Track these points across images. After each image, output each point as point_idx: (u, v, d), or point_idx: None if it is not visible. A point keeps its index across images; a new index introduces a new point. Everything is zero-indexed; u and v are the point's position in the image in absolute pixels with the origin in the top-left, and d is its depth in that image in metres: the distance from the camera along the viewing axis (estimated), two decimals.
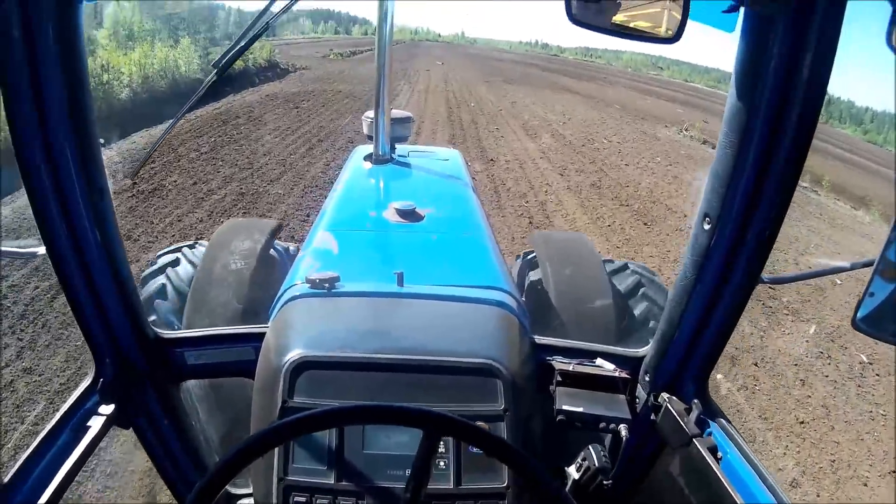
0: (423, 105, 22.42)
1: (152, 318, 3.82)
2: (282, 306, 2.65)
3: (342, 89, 24.87)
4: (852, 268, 1.92)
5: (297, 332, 2.41)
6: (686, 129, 23.04)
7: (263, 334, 2.51)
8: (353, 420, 1.75)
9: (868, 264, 1.44)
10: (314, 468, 2.05)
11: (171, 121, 2.87)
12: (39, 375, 5.72)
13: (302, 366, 2.18)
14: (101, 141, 1.86)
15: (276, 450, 2.05)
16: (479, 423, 1.64)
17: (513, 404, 2.16)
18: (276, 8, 2.32)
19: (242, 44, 2.34)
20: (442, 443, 1.91)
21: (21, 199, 9.43)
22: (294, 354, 2.21)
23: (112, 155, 11.26)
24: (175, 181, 11.07)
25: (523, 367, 2.31)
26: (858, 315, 1.42)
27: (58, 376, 5.75)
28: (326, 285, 2.61)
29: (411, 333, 2.44)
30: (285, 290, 2.82)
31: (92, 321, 2.08)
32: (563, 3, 1.67)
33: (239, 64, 27.33)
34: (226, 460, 1.49)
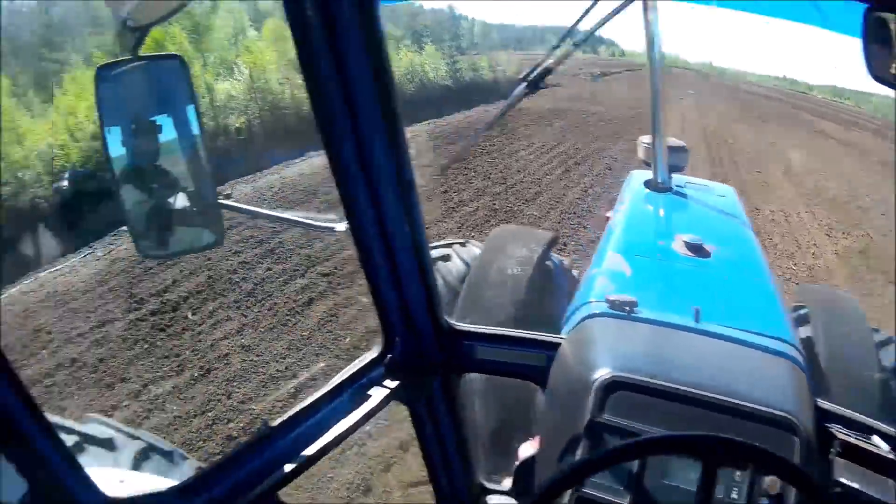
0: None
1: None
2: (580, 321, 2.72)
3: (595, 111, 25.26)
4: None
5: (604, 350, 2.46)
6: None
7: (557, 344, 2.56)
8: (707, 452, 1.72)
9: None
10: (611, 486, 2.08)
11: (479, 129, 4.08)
12: (257, 356, 6.46)
13: (613, 385, 2.23)
14: (409, 135, 1.96)
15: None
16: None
17: (805, 463, 2.09)
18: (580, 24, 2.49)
19: (552, 59, 2.55)
20: (735, 490, 2.00)
21: (262, 180, 11.43)
22: (604, 372, 2.26)
23: None
24: (424, 186, 11.50)
25: (815, 427, 2.26)
26: None
27: (276, 362, 6.40)
28: (627, 308, 2.67)
29: (711, 371, 2.40)
30: (581, 306, 2.92)
31: (388, 298, 2.19)
32: (858, 53, 1.73)
33: (488, 75, 29.99)
34: (576, 466, 1.64)
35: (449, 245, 5.03)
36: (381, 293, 2.17)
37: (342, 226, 2.11)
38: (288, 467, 1.86)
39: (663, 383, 2.22)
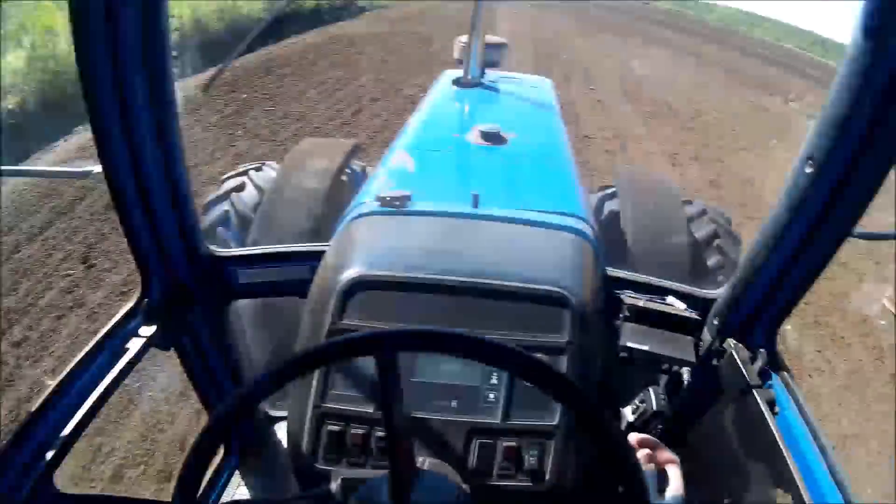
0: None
1: (226, 208, 3.77)
2: (346, 224, 2.54)
3: (420, 31, 22.39)
4: None
5: (358, 249, 2.28)
6: (792, 100, 20.10)
7: (322, 253, 2.38)
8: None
9: None
10: (352, 395, 1.93)
11: (241, 44, 2.53)
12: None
13: (357, 285, 2.05)
14: (174, 54, 1.76)
15: (315, 375, 1.93)
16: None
17: (577, 337, 2.01)
18: None
19: None
20: (495, 374, 1.93)
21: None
22: (350, 273, 2.08)
23: None
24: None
25: (593, 299, 2.17)
26: None
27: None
28: (397, 203, 2.52)
29: (480, 256, 2.27)
30: (352, 208, 2.74)
31: (141, 236, 2.01)
32: None
33: (310, 3, 25.69)
34: (257, 381, 1.32)
35: (244, 172, 4.65)
36: (133, 232, 2.01)
37: (98, 167, 1.85)
38: (53, 449, 1.77)
39: (413, 275, 2.09)
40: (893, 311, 7.37)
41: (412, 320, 2.02)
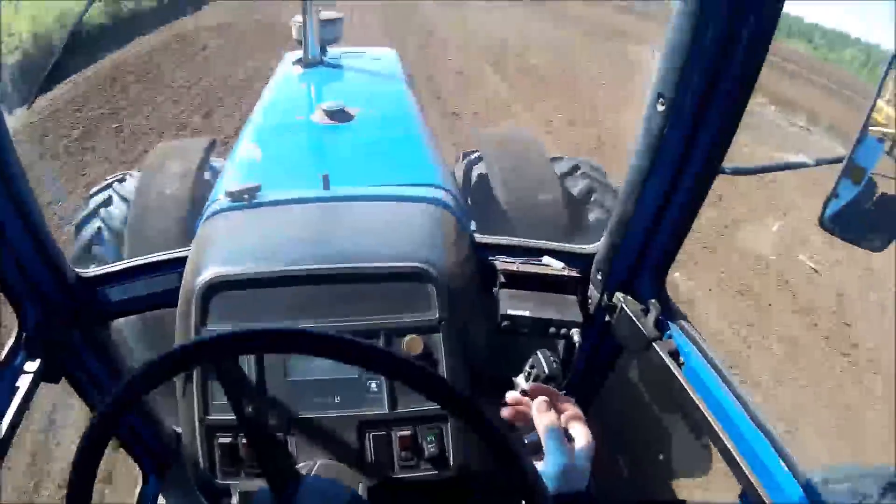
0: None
1: (92, 266, 2.80)
2: (202, 224, 2.44)
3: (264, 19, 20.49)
4: (818, 164, 1.84)
5: (213, 250, 2.15)
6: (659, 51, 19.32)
7: (186, 258, 2.23)
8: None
9: (834, 161, 1.46)
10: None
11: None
12: None
13: (214, 287, 1.96)
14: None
15: (195, 388, 1.90)
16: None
17: (449, 312, 1.95)
18: None
19: None
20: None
21: None
22: (206, 275, 1.98)
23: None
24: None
25: (461, 269, 2.09)
26: (826, 214, 1.45)
27: None
28: (247, 196, 2.41)
29: (336, 240, 2.23)
30: (207, 207, 2.68)
31: (6, 271, 1.88)
32: None
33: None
34: (127, 383, 1.23)
35: (108, 186, 4.37)
36: None
37: None
38: None
39: (269, 269, 2.00)
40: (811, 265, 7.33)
41: (274, 315, 1.95)
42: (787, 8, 1.46)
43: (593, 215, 4.26)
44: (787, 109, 15.83)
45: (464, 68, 14.78)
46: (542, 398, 1.50)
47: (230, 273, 2.00)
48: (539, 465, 1.37)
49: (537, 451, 1.42)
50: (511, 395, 1.56)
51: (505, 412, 1.54)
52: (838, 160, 1.44)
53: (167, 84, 12.70)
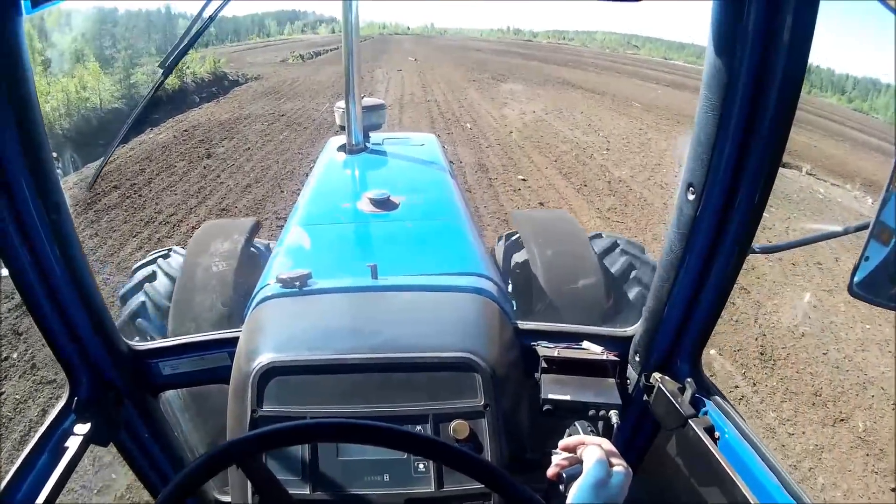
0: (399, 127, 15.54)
1: (136, 339, 3.16)
2: (253, 308, 2.49)
3: (287, 111, 18.74)
4: (846, 232, 1.75)
5: (266, 335, 2.23)
6: None
7: (237, 339, 2.33)
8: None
9: (862, 228, 1.41)
10: (287, 479, 1.86)
11: (122, 130, 2.49)
12: None
13: (270, 372, 2.02)
14: (55, 155, 1.73)
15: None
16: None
17: (493, 399, 1.98)
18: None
19: (186, 41, 2.12)
20: None
21: None
22: (262, 360, 2.04)
23: None
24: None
25: (505, 357, 2.14)
26: (855, 280, 1.39)
27: None
28: (297, 283, 2.46)
29: (385, 329, 2.23)
30: (258, 292, 2.66)
31: (61, 339, 1.95)
32: None
33: (173, 82, 22.29)
34: (191, 469, 1.35)
35: (153, 261, 4.33)
36: (51, 334, 1.93)
37: (4, 271, 1.79)
38: None
39: (321, 357, 2.05)
40: None
41: (326, 400, 1.97)
42: (817, 60, 1.27)
43: (633, 293, 3.97)
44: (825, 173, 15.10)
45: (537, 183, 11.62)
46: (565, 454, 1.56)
47: (284, 360, 2.02)
48: (577, 482, 1.41)
49: (577, 479, 1.43)
50: (563, 443, 1.60)
51: (551, 471, 1.54)
52: (866, 225, 1.32)
53: (153, 212, 9.84)
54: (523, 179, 11.42)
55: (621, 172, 12.24)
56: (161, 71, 2.12)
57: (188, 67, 24.93)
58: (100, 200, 9.64)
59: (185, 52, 2.13)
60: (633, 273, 4.14)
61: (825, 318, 7.20)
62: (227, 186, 10.60)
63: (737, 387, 5.80)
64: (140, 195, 10.05)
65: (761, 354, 6.32)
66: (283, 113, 18.11)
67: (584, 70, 37.91)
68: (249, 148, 13.51)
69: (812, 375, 6.09)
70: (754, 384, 5.88)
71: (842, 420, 5.52)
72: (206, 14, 2.06)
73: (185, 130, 15.40)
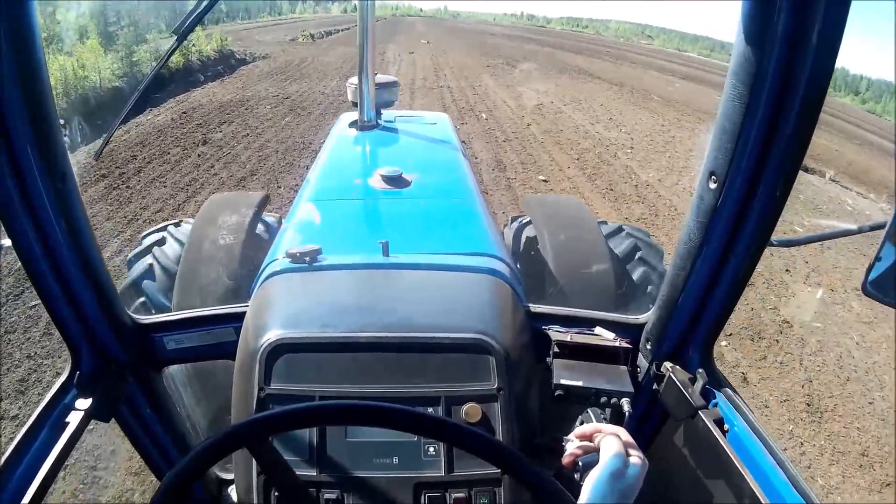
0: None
1: (142, 299, 3.68)
2: (261, 283, 2.43)
3: (292, 93, 17.85)
4: (860, 231, 1.87)
5: (275, 311, 2.16)
6: None
7: (244, 314, 2.27)
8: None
9: (877, 227, 1.44)
10: (295, 461, 1.83)
11: (133, 96, 2.46)
12: None
13: (279, 348, 1.96)
14: (62, 122, 1.66)
15: None
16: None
17: (507, 382, 1.94)
18: None
19: (201, 8, 2.12)
20: None
21: None
22: (270, 336, 1.98)
23: None
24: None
25: (518, 340, 2.08)
26: (869, 280, 1.39)
27: None
28: (307, 259, 2.39)
29: (397, 307, 2.17)
30: (266, 266, 2.60)
31: (64, 311, 1.91)
32: None
33: (178, 60, 21.42)
34: (197, 453, 1.33)
35: (163, 228, 4.31)
36: (54, 306, 1.88)
37: (6, 241, 1.75)
38: None
39: (332, 335, 1.99)
40: None
41: (334, 379, 1.93)
42: None
43: (637, 273, 3.98)
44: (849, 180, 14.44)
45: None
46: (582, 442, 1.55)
47: (293, 337, 1.97)
48: (594, 471, 1.40)
49: (593, 467, 1.43)
50: (579, 430, 1.59)
51: (566, 459, 1.54)
52: (881, 225, 1.35)
53: (142, 196, 9.32)
54: (544, 180, 10.55)
55: (648, 175, 11.33)
56: (175, 38, 2.09)
57: (194, 45, 24.21)
58: (86, 191, 8.84)
59: (200, 17, 2.09)
60: (638, 254, 4.12)
61: (868, 359, 6.55)
62: (219, 179, 9.77)
63: (785, 449, 5.17)
64: (128, 186, 9.21)
65: (808, 406, 5.72)
66: (287, 95, 17.24)
67: (601, 59, 36.88)
68: (248, 134, 12.61)
69: (859, 431, 5.50)
70: (801, 444, 5.27)
71: (888, 485, 4.99)
72: None
73: (185, 112, 14.50)
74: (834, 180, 14.09)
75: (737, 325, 6.66)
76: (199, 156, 10.93)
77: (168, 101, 15.88)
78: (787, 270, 8.03)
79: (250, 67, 24.06)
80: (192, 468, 1.30)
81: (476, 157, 11.12)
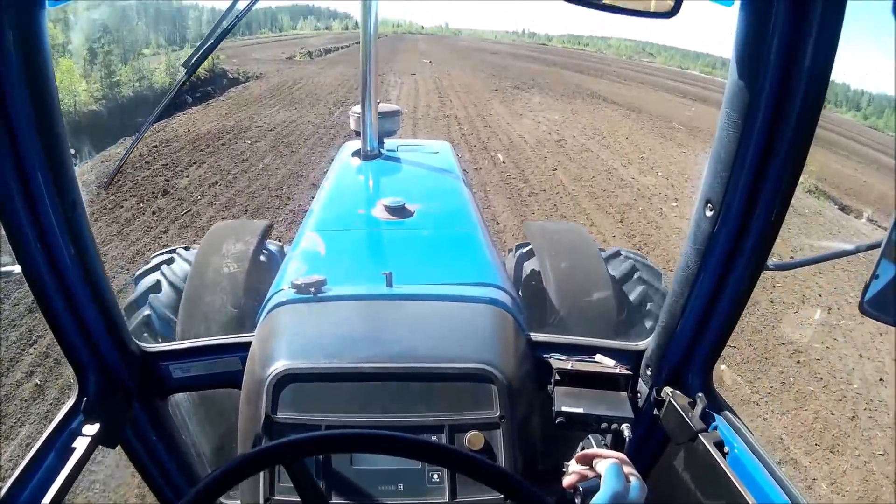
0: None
1: (146, 312, 3.63)
2: (267, 313, 2.40)
3: (279, 123, 15.89)
4: (857, 251, 1.77)
5: (281, 341, 2.17)
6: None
7: (250, 343, 2.30)
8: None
9: (873, 246, 1.40)
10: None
11: (142, 127, 2.42)
12: None
13: (285, 378, 1.97)
14: (73, 151, 1.70)
15: None
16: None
17: (509, 410, 1.96)
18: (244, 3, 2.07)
19: (212, 40, 2.10)
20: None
21: None
22: (278, 366, 1.99)
23: None
24: None
25: (519, 369, 2.10)
26: (866, 298, 1.33)
27: None
28: (312, 290, 2.37)
29: (401, 338, 2.20)
30: (271, 297, 2.58)
31: (72, 338, 1.90)
32: None
33: (165, 81, 21.20)
34: (211, 480, 1.30)
35: (172, 250, 4.24)
36: (63, 332, 1.87)
37: (17, 268, 1.73)
38: None
39: (338, 365, 2.01)
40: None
41: (341, 408, 1.94)
42: (834, 75, 1.44)
43: (635, 294, 3.87)
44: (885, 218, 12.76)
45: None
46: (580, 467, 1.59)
47: (301, 367, 1.98)
48: (596, 498, 1.40)
49: (594, 493, 1.44)
50: (580, 455, 1.62)
51: (566, 480, 1.59)
52: (877, 244, 1.30)
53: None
54: None
55: None
56: (184, 70, 2.10)
57: (183, 65, 21.80)
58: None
59: (210, 50, 2.09)
60: (636, 274, 3.99)
61: None
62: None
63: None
64: None
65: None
66: (273, 126, 15.23)
67: (608, 80, 35.32)
68: (218, 181, 10.42)
69: None
70: None
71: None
72: (233, 11, 2.02)
73: (156, 146, 12.45)
74: (873, 220, 12.74)
75: None
76: (153, 213, 8.77)
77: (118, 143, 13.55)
78: None
79: (240, 89, 22.22)
80: (227, 479, 1.27)
81: (497, 222, 8.96)
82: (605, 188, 11.41)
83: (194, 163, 11.43)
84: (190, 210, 8.98)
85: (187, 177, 10.56)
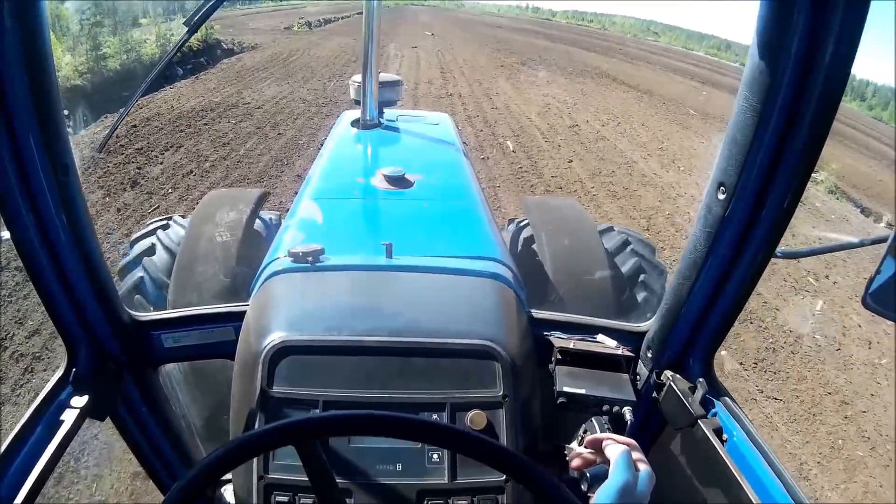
0: None
1: (140, 275, 3.57)
2: (263, 282, 2.32)
3: (267, 99, 14.78)
4: (861, 244, 1.80)
5: (278, 312, 2.08)
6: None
7: (244, 313, 2.21)
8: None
9: (879, 241, 1.43)
10: (297, 464, 1.58)
11: (140, 88, 2.35)
12: None
13: (282, 351, 1.89)
14: (66, 112, 1.62)
15: None
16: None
17: (512, 389, 1.89)
18: None
19: None
20: None
21: None
22: (274, 338, 1.91)
23: None
24: None
25: (522, 347, 2.03)
26: (869, 292, 1.35)
27: None
28: (310, 259, 2.29)
29: (402, 311, 2.11)
30: (267, 265, 2.47)
31: (62, 306, 1.84)
32: None
33: (154, 52, 19.35)
34: (208, 462, 1.26)
35: (151, 232, 4.01)
36: (52, 300, 1.81)
37: (5, 233, 1.66)
38: None
39: (337, 338, 1.93)
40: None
41: (339, 383, 1.87)
42: None
43: (628, 266, 3.88)
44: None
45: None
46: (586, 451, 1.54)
47: (298, 339, 1.91)
48: (605, 485, 1.35)
49: (602, 480, 1.38)
50: (589, 438, 1.55)
51: (574, 462, 1.55)
52: (883, 238, 1.32)
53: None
54: None
55: None
56: (186, 29, 2.03)
57: (173, 35, 21.26)
58: None
59: (213, 9, 2.03)
60: (629, 247, 4.02)
61: None
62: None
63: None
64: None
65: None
66: (261, 104, 14.08)
67: (616, 58, 34.19)
68: (193, 171, 9.32)
69: None
70: None
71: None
72: None
73: (135, 126, 11.30)
74: (893, 225, 12.21)
75: None
76: (118, 210, 7.72)
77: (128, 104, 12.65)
78: None
79: (233, 61, 21.03)
80: (206, 475, 1.22)
81: (507, 228, 7.81)
82: (626, 185, 10.39)
83: (171, 146, 10.37)
84: (158, 206, 7.95)
85: (161, 164, 9.47)
